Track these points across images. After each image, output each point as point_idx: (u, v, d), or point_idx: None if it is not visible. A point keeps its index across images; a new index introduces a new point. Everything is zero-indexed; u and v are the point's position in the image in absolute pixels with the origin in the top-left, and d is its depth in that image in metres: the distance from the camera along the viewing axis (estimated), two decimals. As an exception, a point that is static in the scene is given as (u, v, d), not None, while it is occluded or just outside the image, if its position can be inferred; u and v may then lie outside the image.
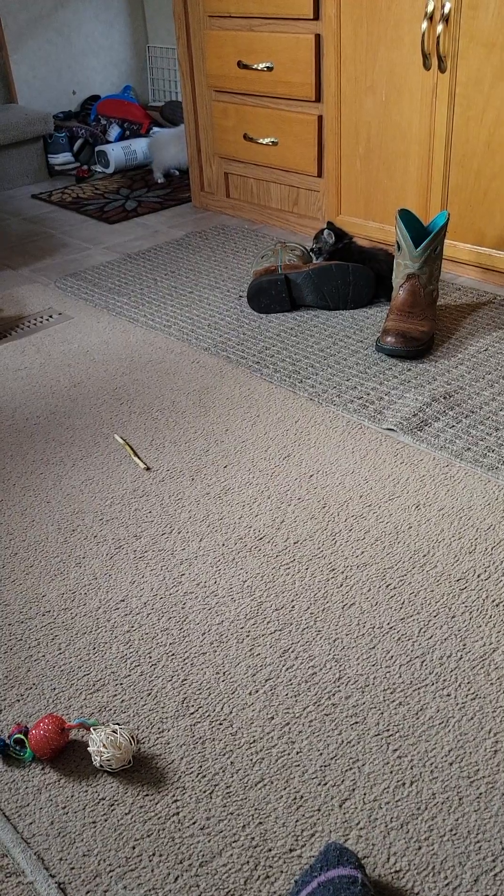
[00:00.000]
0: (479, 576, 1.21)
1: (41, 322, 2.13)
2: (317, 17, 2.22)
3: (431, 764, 0.95)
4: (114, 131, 3.58)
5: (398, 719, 1.00)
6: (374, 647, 1.10)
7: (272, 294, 2.06)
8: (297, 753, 0.97)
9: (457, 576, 1.21)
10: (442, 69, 1.99)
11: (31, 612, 1.19)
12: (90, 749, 0.95)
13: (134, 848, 0.88)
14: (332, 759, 0.96)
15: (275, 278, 2.05)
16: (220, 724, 1.01)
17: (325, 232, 2.08)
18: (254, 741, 0.98)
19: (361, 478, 1.44)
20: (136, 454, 1.55)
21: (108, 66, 3.94)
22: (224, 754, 0.97)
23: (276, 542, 1.30)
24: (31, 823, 0.91)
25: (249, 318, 2.07)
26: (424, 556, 1.25)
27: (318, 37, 2.24)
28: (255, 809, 0.91)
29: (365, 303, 2.08)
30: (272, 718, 1.01)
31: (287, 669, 1.08)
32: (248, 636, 1.13)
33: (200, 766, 0.96)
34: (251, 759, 0.96)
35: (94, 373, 1.85)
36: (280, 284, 2.05)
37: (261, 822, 0.90)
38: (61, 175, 3.51)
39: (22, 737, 0.97)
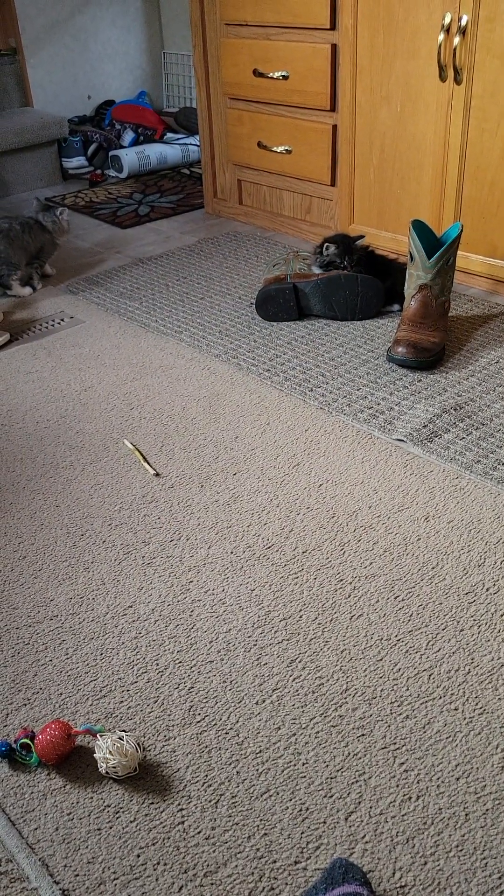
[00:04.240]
0: (487, 589, 1.20)
1: (52, 326, 2.13)
2: (333, 27, 2.23)
3: (438, 778, 0.94)
4: (128, 136, 3.59)
5: (405, 732, 1.00)
6: (381, 659, 1.10)
7: (280, 302, 2.06)
8: (304, 765, 0.97)
9: (465, 589, 1.21)
10: (458, 81, 1.99)
11: (38, 616, 1.19)
12: (96, 755, 0.95)
13: (139, 856, 0.88)
14: (338, 771, 0.96)
15: (283, 286, 2.05)
16: (227, 733, 1.01)
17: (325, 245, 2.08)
18: (260, 751, 0.98)
19: (371, 488, 1.44)
20: (145, 460, 1.55)
21: (124, 72, 3.96)
22: (230, 764, 0.97)
23: (285, 552, 1.30)
24: (36, 829, 0.91)
25: (260, 325, 2.07)
26: (433, 568, 1.25)
27: (334, 47, 2.25)
28: (261, 820, 0.91)
29: (373, 314, 2.07)
30: (279, 729, 1.01)
31: (294, 680, 1.07)
32: (255, 645, 1.13)
33: (206, 776, 0.96)
34: (257, 770, 0.96)
35: (105, 377, 1.86)
36: (288, 293, 2.05)
37: (266, 833, 0.89)
38: (75, 179, 3.52)
39: (28, 741, 0.97)
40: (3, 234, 2.21)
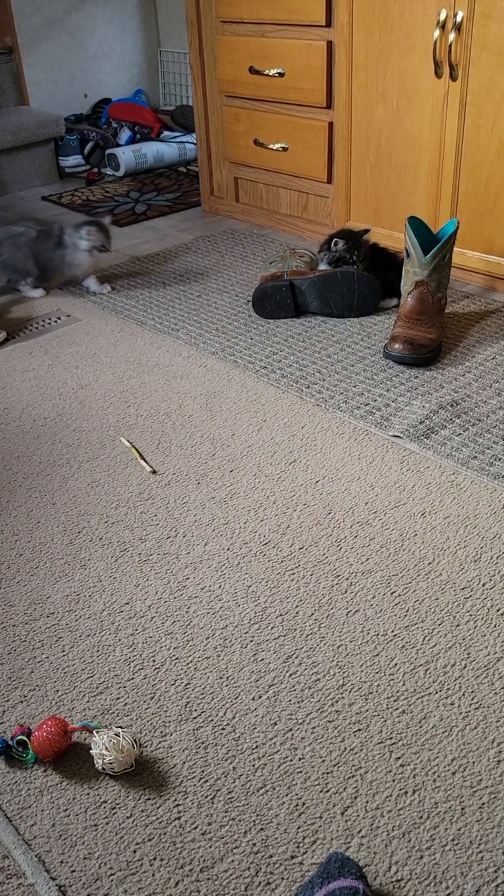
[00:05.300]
0: (483, 584, 1.20)
1: (49, 324, 2.13)
2: (329, 23, 2.23)
3: (434, 773, 0.94)
4: (124, 134, 3.59)
5: (401, 727, 1.00)
6: (377, 655, 1.10)
7: (276, 299, 2.06)
8: (300, 760, 0.97)
9: (462, 584, 1.21)
10: (453, 77, 1.99)
11: (35, 614, 1.19)
12: (93, 752, 0.95)
13: (135, 852, 0.88)
14: (334, 766, 0.96)
15: (279, 284, 2.05)
16: (223, 728, 1.01)
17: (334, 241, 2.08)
18: (256, 747, 0.98)
19: (367, 484, 1.44)
20: (142, 457, 1.55)
21: (120, 70, 3.96)
22: (226, 759, 0.97)
23: (281, 548, 1.30)
24: (32, 825, 0.91)
25: (257, 322, 2.07)
26: (429, 563, 1.25)
27: (329, 44, 2.25)
28: (257, 815, 0.91)
29: (370, 311, 2.07)
30: (275, 724, 1.01)
31: (290, 675, 1.07)
32: (251, 641, 1.13)
33: (202, 771, 0.96)
34: (253, 765, 0.96)
35: (102, 375, 1.86)
36: (284, 290, 2.05)
37: (262, 829, 0.90)
38: (72, 177, 3.52)
39: (25, 738, 0.98)
40: (12, 239, 2.18)
